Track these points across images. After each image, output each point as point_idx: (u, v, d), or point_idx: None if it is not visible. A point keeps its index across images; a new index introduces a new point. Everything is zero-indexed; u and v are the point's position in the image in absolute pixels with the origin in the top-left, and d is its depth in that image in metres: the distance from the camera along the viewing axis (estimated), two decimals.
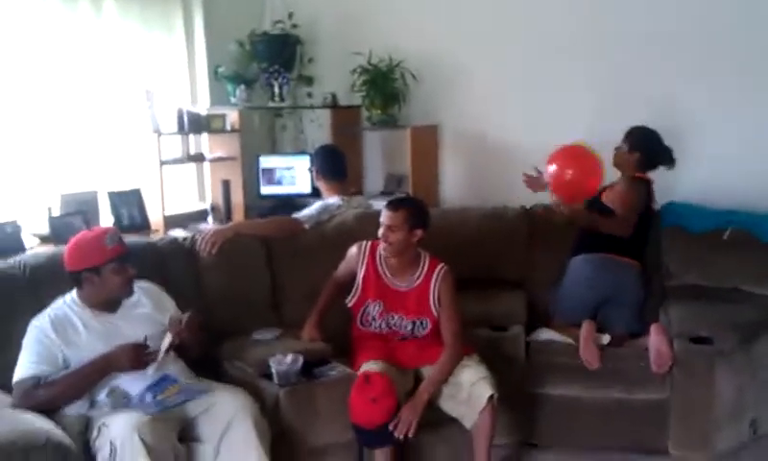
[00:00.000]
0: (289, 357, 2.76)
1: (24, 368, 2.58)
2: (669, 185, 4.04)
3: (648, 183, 3.70)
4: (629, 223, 3.52)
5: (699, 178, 4.09)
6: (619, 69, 4.33)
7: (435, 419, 2.97)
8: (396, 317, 3.13)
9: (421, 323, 3.12)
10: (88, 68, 4.41)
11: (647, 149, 3.67)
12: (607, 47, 4.34)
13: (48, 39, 4.20)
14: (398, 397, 2.86)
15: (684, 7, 4.11)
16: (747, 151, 4.01)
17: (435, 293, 3.09)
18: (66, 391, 2.56)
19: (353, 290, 3.19)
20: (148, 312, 2.83)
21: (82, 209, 4.13)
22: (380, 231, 3.08)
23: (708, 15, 4.04)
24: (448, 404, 2.98)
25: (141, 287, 2.86)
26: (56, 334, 2.62)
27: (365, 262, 3.18)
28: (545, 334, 3.62)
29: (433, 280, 3.10)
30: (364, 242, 3.24)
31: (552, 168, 3.66)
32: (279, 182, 5.09)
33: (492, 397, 2.87)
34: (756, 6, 3.94)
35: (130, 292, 2.77)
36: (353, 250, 3.24)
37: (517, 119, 4.68)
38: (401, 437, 2.78)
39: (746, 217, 3.76)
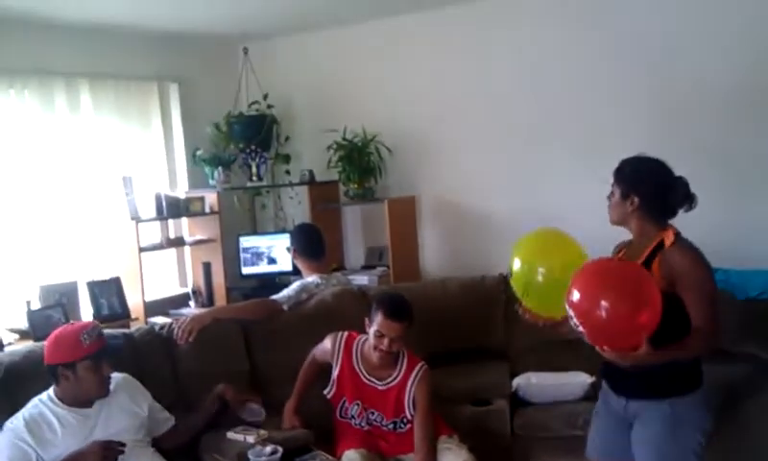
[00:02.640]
0: (268, 449, 2.71)
1: None
2: None
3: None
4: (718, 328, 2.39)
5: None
6: (596, 132, 4.39)
7: None
8: (375, 413, 3.07)
9: (402, 420, 3.06)
10: (66, 160, 4.46)
11: (648, 188, 2.54)
12: (582, 113, 4.42)
13: (26, 137, 4.26)
14: None
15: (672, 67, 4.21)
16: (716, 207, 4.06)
17: (411, 394, 3.03)
18: None
19: (330, 383, 3.13)
20: (124, 405, 2.80)
21: (61, 301, 4.12)
22: (379, 341, 2.97)
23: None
24: None
25: (116, 379, 2.82)
26: (30, 436, 2.58)
27: (340, 359, 3.11)
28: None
29: (410, 381, 3.04)
30: (339, 335, 3.17)
31: (576, 297, 2.26)
32: (260, 262, 5.09)
33: None
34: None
35: (105, 392, 2.74)
36: (327, 343, 3.18)
37: (493, 188, 4.74)
38: None
39: (721, 274, 3.75)
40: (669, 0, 4.10)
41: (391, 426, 3.06)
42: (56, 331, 2.75)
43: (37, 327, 3.87)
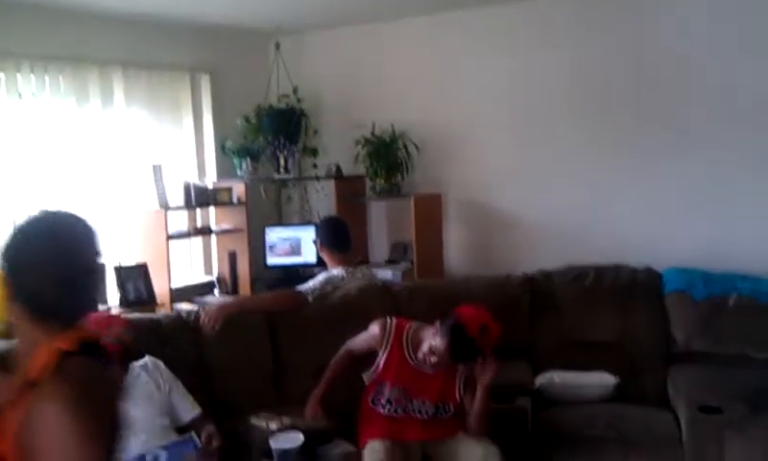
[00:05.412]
0: (289, 436, 2.74)
1: None
2: (668, 250, 4.06)
3: None
4: None
5: (698, 241, 4.08)
6: (621, 136, 4.36)
7: None
8: (415, 402, 3.05)
9: (445, 406, 3.05)
10: (98, 148, 4.51)
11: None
12: (611, 117, 4.40)
13: (61, 127, 4.33)
14: None
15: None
16: (747, 215, 4.01)
17: (461, 378, 3.02)
18: None
19: (373, 369, 3.10)
20: (144, 390, 2.81)
21: None
22: (429, 356, 2.94)
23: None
24: None
25: (140, 363, 2.85)
26: None
27: (389, 345, 3.08)
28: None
29: (461, 365, 3.02)
30: (388, 321, 3.14)
31: None
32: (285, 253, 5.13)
33: None
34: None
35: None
36: (376, 329, 3.13)
37: (519, 188, 4.73)
38: None
39: (750, 282, 3.73)
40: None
41: (432, 412, 3.05)
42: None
43: None
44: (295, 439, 2.75)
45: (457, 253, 5.01)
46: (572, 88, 4.50)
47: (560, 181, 4.56)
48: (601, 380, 3.60)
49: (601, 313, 3.88)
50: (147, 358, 2.92)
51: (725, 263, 3.90)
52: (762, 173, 3.96)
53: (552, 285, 4.04)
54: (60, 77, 4.29)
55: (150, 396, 2.81)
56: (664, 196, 4.23)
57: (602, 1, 4.38)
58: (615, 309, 3.86)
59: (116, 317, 3.03)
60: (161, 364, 2.97)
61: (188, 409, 2.95)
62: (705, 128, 4.10)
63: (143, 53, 4.77)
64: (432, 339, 2.94)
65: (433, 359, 2.93)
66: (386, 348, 3.08)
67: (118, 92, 4.57)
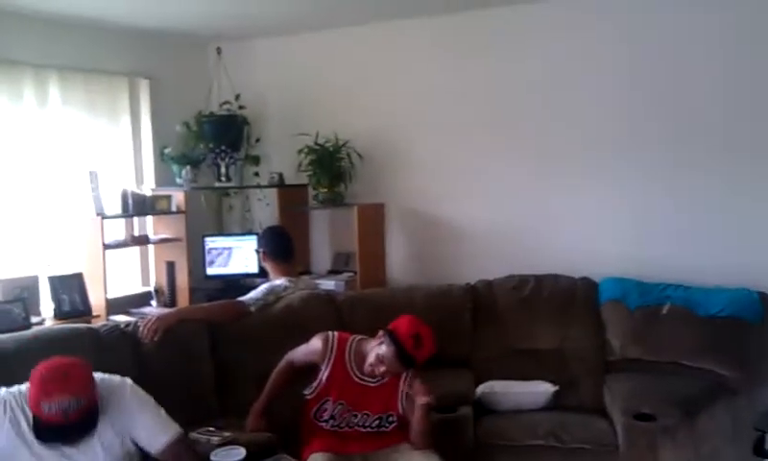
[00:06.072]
0: (231, 451, 2.69)
1: None
2: (604, 260, 4.16)
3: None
4: None
5: (633, 252, 4.21)
6: (564, 146, 4.46)
7: None
8: (359, 415, 3.05)
9: (388, 418, 3.06)
10: (32, 152, 4.37)
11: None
12: (550, 131, 4.49)
13: None
14: None
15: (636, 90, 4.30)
16: (680, 226, 4.15)
17: (403, 391, 3.02)
18: None
19: (315, 384, 3.07)
20: (108, 443, 2.46)
21: (22, 296, 4.05)
22: (377, 365, 2.94)
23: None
24: None
25: (105, 395, 2.47)
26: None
27: (332, 360, 3.06)
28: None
29: (403, 377, 3.02)
30: (330, 335, 3.12)
31: None
32: (225, 263, 5.06)
33: None
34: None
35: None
36: (318, 344, 3.10)
37: (461, 198, 4.79)
38: None
39: (682, 292, 3.86)
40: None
41: (375, 424, 3.05)
42: (42, 365, 2.36)
43: None
44: (237, 454, 2.70)
45: (400, 262, 5.04)
46: (512, 101, 4.57)
47: (501, 191, 4.64)
48: (541, 389, 3.67)
49: (541, 322, 3.97)
50: (114, 386, 2.57)
51: (658, 273, 4.02)
52: (692, 186, 4.09)
53: (493, 295, 4.12)
54: None
55: (113, 453, 2.48)
56: (601, 208, 4.34)
57: (533, 16, 4.47)
58: (554, 318, 3.96)
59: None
60: (125, 397, 2.56)
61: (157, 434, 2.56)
62: (639, 143, 4.22)
63: (80, 57, 4.64)
64: (378, 349, 2.95)
65: (381, 368, 2.93)
66: (328, 362, 3.07)
67: (54, 97, 4.44)
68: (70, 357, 2.43)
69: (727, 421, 3.45)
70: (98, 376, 2.50)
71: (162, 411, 2.61)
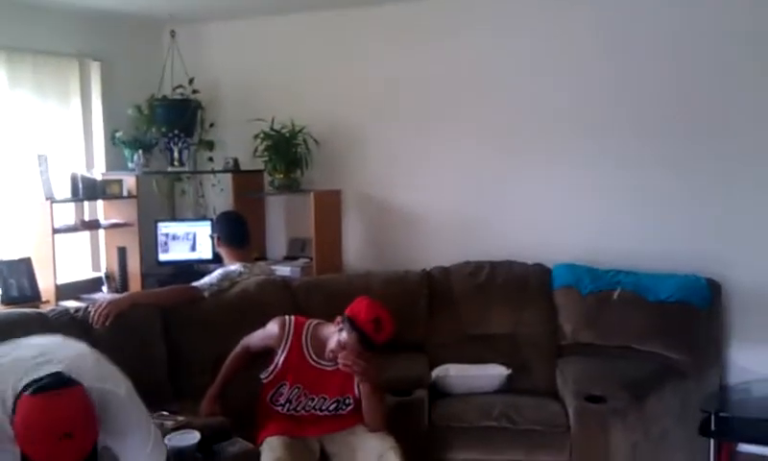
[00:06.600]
0: (185, 435, 2.66)
1: None
2: (558, 247, 4.23)
3: None
4: None
5: (585, 239, 4.28)
6: (515, 138, 4.50)
7: None
8: (316, 399, 3.05)
9: (345, 400, 3.06)
10: None
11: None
12: (505, 116, 4.52)
13: None
14: None
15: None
16: (630, 213, 4.24)
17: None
18: None
19: (271, 368, 3.05)
20: None
21: None
22: (339, 350, 2.92)
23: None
24: None
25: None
26: None
27: (288, 344, 3.04)
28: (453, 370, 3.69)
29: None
30: (287, 319, 3.10)
31: None
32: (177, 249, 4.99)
33: None
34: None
35: None
36: (275, 328, 3.07)
37: (417, 184, 4.80)
38: None
39: (633, 277, 3.94)
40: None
41: (332, 408, 3.05)
42: (42, 415, 1.87)
43: None
44: (191, 437, 2.68)
45: (356, 249, 5.03)
46: (468, 88, 4.60)
47: (456, 178, 4.66)
48: (494, 372, 3.71)
49: (495, 307, 4.01)
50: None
51: (610, 260, 4.10)
52: (643, 174, 4.18)
53: (449, 281, 4.14)
54: None
55: None
56: (555, 197, 4.40)
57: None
58: (509, 303, 4.00)
59: None
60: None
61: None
62: (592, 131, 4.28)
63: (29, 38, 4.52)
64: (339, 335, 2.94)
65: (340, 355, 2.92)
66: (285, 347, 3.05)
67: (1, 76, 4.31)
68: (66, 393, 1.91)
69: (675, 403, 3.54)
70: (94, 388, 2.03)
71: (152, 427, 2.27)
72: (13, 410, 1.90)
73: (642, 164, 4.17)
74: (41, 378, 1.94)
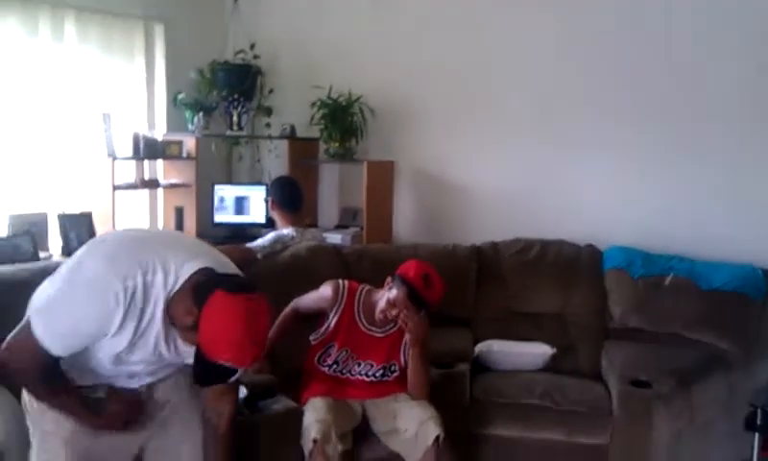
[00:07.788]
0: None
1: (55, 335, 1.86)
2: (610, 229, 4.17)
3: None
4: None
5: (639, 222, 4.21)
6: (573, 123, 4.44)
7: (378, 454, 2.98)
8: (363, 364, 3.09)
9: (391, 367, 3.10)
10: (46, 90, 4.39)
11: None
12: (562, 92, 4.45)
13: (7, 62, 4.18)
14: (346, 435, 2.87)
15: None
16: (686, 199, 4.14)
17: (406, 341, 3.04)
18: (50, 404, 2.01)
19: (321, 330, 3.10)
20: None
21: (30, 231, 4.08)
22: (389, 310, 2.93)
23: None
24: (393, 440, 2.98)
25: None
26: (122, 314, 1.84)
27: (341, 308, 3.08)
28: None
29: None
30: (341, 283, 3.13)
31: None
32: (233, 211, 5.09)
33: (438, 437, 2.86)
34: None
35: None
36: (328, 291, 3.10)
37: (471, 160, 4.78)
38: None
39: (687, 264, 3.87)
40: None
41: (379, 374, 3.09)
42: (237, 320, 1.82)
43: (3, 254, 3.83)
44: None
45: (406, 220, 5.06)
46: (528, 67, 4.54)
47: (512, 156, 4.61)
48: (539, 350, 3.70)
49: (543, 286, 3.99)
50: None
51: (664, 245, 4.03)
52: (701, 159, 4.07)
53: (498, 257, 4.13)
54: (10, 15, 4.15)
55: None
56: (610, 178, 4.32)
57: None
58: (557, 283, 3.97)
59: None
60: None
61: None
62: (652, 114, 4.19)
63: None
64: (389, 293, 2.97)
65: (394, 312, 2.94)
66: (338, 310, 3.09)
67: (69, 34, 4.45)
68: (263, 301, 1.91)
69: (722, 393, 3.48)
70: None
71: None
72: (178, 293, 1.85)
73: (702, 150, 4.07)
74: (227, 276, 1.89)
